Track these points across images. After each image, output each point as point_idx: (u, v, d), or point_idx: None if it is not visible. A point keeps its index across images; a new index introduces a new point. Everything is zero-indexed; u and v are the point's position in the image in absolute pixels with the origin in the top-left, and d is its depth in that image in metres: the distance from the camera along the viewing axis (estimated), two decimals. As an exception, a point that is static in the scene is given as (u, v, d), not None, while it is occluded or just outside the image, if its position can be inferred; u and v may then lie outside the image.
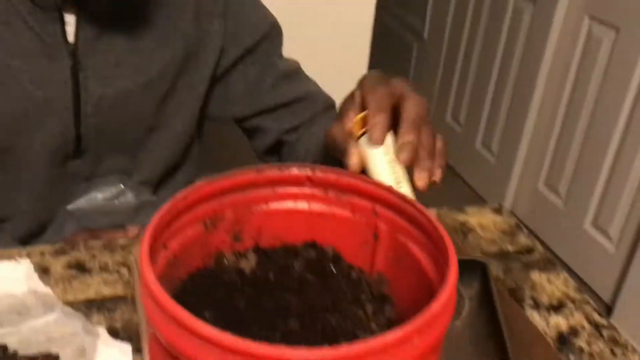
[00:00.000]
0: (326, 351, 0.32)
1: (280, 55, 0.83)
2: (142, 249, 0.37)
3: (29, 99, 0.68)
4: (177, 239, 0.44)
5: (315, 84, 0.85)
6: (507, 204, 2.30)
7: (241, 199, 0.49)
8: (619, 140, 1.81)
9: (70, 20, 0.67)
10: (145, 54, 0.73)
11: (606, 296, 1.91)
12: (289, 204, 0.50)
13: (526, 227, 2.17)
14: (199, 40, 0.76)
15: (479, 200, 2.42)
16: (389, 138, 0.57)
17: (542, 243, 2.13)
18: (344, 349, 0.32)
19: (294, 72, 0.83)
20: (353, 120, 0.58)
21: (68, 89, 0.69)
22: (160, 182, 0.83)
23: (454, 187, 2.51)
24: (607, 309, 1.88)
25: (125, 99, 0.73)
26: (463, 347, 0.55)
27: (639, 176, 1.74)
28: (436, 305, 0.35)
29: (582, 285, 1.98)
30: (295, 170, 0.49)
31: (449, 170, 2.64)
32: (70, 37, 0.68)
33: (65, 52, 0.68)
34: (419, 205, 0.45)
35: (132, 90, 0.73)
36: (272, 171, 0.49)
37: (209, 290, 0.46)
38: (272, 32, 0.81)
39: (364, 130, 0.58)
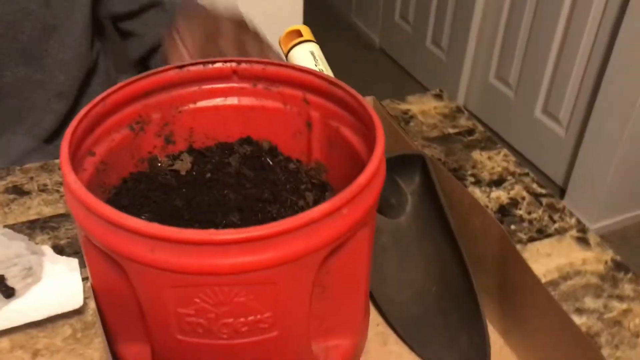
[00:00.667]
0: (254, 229, 0.32)
1: None
2: (62, 155, 0.36)
3: None
4: (103, 145, 0.43)
5: None
6: (460, 99, 2.32)
7: (167, 98, 0.47)
8: (564, 27, 1.81)
9: None
10: None
11: (559, 180, 1.98)
12: (217, 101, 0.49)
13: (479, 120, 2.20)
14: None
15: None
16: (317, 49, 0.57)
17: (496, 134, 2.17)
18: (274, 225, 0.32)
19: None
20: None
21: None
22: (78, 94, 0.81)
23: (405, 86, 2.50)
24: (561, 192, 1.95)
25: None
26: (412, 241, 0.56)
27: (585, 60, 1.76)
28: (363, 177, 0.35)
29: (537, 171, 2.04)
30: (219, 65, 0.48)
31: (401, 69, 2.63)
32: None
33: None
34: (347, 87, 0.45)
35: None
36: (195, 67, 0.47)
37: (145, 194, 0.45)
38: None
39: (292, 44, 0.58)
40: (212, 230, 0.32)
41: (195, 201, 0.45)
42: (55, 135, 0.81)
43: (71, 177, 0.35)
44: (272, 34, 1.22)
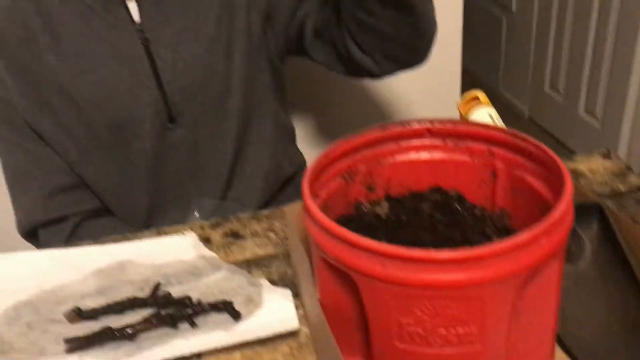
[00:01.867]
0: (467, 250, 0.39)
1: None
2: (304, 192, 0.46)
3: (118, 78, 0.80)
4: (324, 190, 0.53)
5: None
6: (619, 167, 2.24)
7: (371, 154, 0.56)
8: None
9: (131, 4, 0.80)
10: (199, 14, 0.83)
11: None
12: (412, 155, 0.58)
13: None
14: None
15: (587, 168, 2.36)
16: (494, 112, 0.64)
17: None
18: (486, 247, 0.39)
19: None
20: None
21: (145, 62, 0.81)
22: (245, 134, 0.90)
23: (559, 156, 2.46)
24: None
25: (196, 58, 0.83)
26: (591, 286, 0.59)
27: None
28: (557, 211, 0.41)
29: None
30: (415, 125, 0.56)
31: (552, 139, 2.60)
32: (136, 17, 0.80)
33: (134, 31, 0.80)
34: (530, 138, 0.51)
35: (199, 48, 0.83)
36: (395, 127, 0.56)
37: (355, 232, 0.54)
38: None
39: (471, 108, 0.65)
40: (433, 250, 0.39)
41: (396, 239, 0.53)
42: (227, 186, 0.91)
43: (314, 207, 0.44)
44: (432, 109, 1.31)
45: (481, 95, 0.68)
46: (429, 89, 1.31)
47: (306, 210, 0.45)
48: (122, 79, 0.80)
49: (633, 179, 0.76)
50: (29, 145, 0.84)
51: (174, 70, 0.82)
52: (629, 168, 0.78)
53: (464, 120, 0.66)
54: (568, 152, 2.52)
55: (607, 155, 0.81)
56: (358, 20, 0.76)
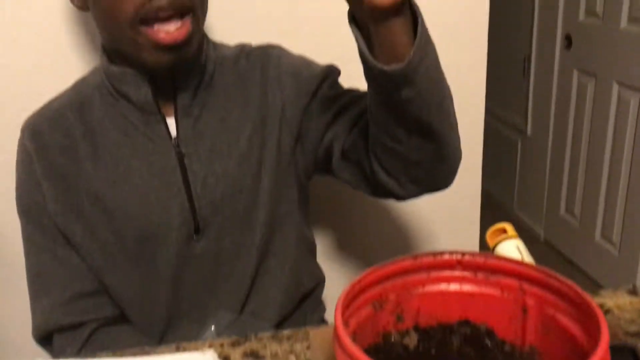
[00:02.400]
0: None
1: (335, 87, 0.91)
2: (337, 321, 0.46)
3: (151, 188, 0.83)
4: (354, 318, 0.53)
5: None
6: (638, 296, 2.20)
7: (401, 283, 0.57)
8: None
9: (170, 120, 0.84)
10: (233, 131, 0.86)
11: None
12: (442, 286, 0.58)
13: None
14: (266, 108, 0.88)
15: (605, 294, 2.32)
16: (521, 244, 0.65)
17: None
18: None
19: (347, 90, 0.90)
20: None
21: (178, 174, 0.84)
22: (268, 247, 0.90)
23: (575, 280, 2.43)
24: None
25: (226, 173, 0.85)
26: None
27: None
28: (597, 356, 0.41)
29: None
30: (446, 256, 0.57)
31: (570, 265, 2.58)
32: (173, 133, 0.84)
33: (170, 145, 0.84)
34: (563, 278, 0.51)
35: (230, 164, 0.85)
36: (426, 258, 0.57)
37: (383, 363, 0.53)
38: (329, 72, 0.91)
39: (499, 239, 0.67)
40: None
41: (424, 373, 0.52)
42: (246, 299, 0.90)
43: (346, 338, 0.44)
44: (452, 229, 1.32)
45: (509, 227, 0.69)
46: (450, 208, 1.32)
47: (337, 339, 0.45)
48: (154, 189, 0.83)
49: (661, 318, 0.75)
50: (57, 249, 0.85)
51: (204, 183, 0.84)
52: (656, 306, 0.77)
53: (492, 252, 0.66)
54: (585, 278, 2.49)
55: (633, 292, 0.80)
56: (384, 146, 0.78)
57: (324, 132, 0.89)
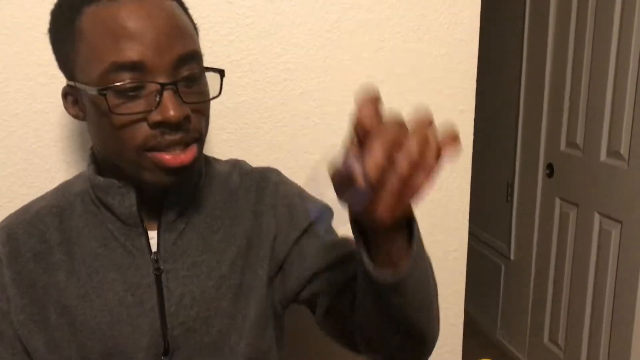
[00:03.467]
0: None
1: (332, 232, 0.89)
2: None
3: (122, 304, 0.79)
4: None
5: None
6: None
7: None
8: None
9: (152, 234, 0.81)
10: (216, 252, 0.83)
11: None
12: None
13: None
14: (256, 233, 0.85)
15: None
16: None
17: None
18: None
19: (343, 240, 0.87)
20: None
21: (153, 291, 0.79)
22: None
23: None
24: None
25: (203, 294, 0.81)
26: None
27: None
28: None
29: None
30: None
31: (554, 397, 2.48)
32: (153, 248, 0.80)
33: (149, 260, 0.80)
34: None
35: (208, 285, 0.81)
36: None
37: None
38: (323, 215, 0.86)
39: None
40: None
41: None
42: None
43: None
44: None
45: None
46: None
47: None
48: (126, 306, 0.79)
49: None
50: None
51: (179, 303, 0.80)
52: None
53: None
54: (571, 412, 2.39)
55: None
56: (367, 330, 0.76)
57: (311, 278, 0.85)
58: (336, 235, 0.90)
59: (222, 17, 1.05)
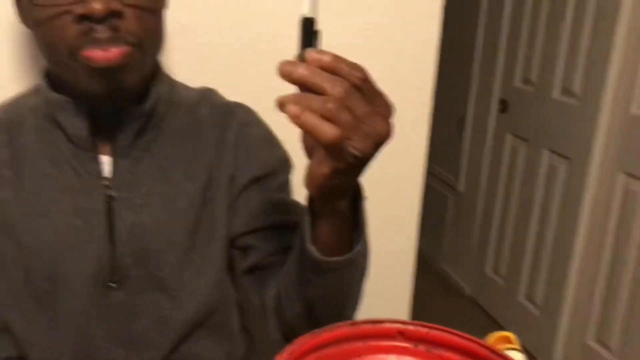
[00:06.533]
0: None
1: (284, 189, 0.87)
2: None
3: (70, 228, 0.76)
4: (285, 390, 0.48)
5: None
6: (557, 358, 2.24)
7: (337, 351, 0.52)
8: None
9: (105, 159, 0.77)
10: (174, 185, 0.80)
11: None
12: (380, 357, 0.54)
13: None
14: (216, 171, 0.82)
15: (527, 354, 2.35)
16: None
17: (599, 402, 2.03)
18: None
19: (293, 204, 0.86)
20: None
21: (102, 218, 0.76)
22: (199, 325, 0.84)
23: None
24: None
25: (156, 226, 0.78)
26: None
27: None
28: None
29: None
30: (387, 325, 0.53)
31: (491, 320, 2.60)
32: (105, 173, 0.77)
33: (101, 186, 0.77)
34: (507, 356, 0.48)
35: (162, 218, 0.78)
36: (365, 325, 0.53)
37: None
38: (279, 168, 0.86)
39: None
40: None
41: None
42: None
43: None
44: (383, 291, 1.29)
45: (513, 337, 0.67)
46: (382, 267, 1.30)
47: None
48: (74, 230, 0.76)
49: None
50: None
51: (130, 232, 0.77)
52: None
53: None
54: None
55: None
56: (283, 300, 0.75)
57: (250, 231, 0.83)
58: (289, 194, 0.87)
59: None
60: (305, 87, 0.53)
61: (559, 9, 2.11)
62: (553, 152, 2.21)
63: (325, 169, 0.56)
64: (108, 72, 0.69)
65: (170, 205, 0.79)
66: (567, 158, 2.13)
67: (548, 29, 2.19)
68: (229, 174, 0.82)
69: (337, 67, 0.52)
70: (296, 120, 0.52)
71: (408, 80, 1.18)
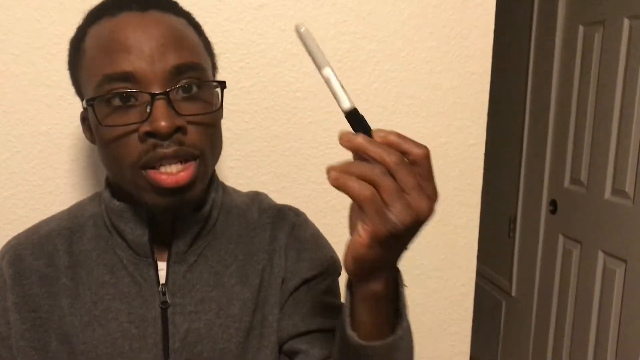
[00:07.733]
0: None
1: (333, 292, 0.86)
2: None
3: (125, 336, 0.75)
4: None
5: None
6: None
7: None
8: None
9: (162, 265, 0.77)
10: (228, 289, 0.79)
11: None
12: None
13: None
14: (268, 275, 0.81)
15: None
16: None
17: None
18: None
19: (338, 307, 0.84)
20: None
21: (158, 325, 0.76)
22: None
23: None
24: None
25: (210, 332, 0.77)
26: None
27: None
28: None
29: None
30: None
31: None
32: (162, 280, 0.77)
33: (156, 292, 0.76)
34: None
35: (216, 324, 0.77)
36: None
37: None
38: (328, 269, 0.85)
39: None
40: None
41: None
42: None
43: None
44: None
45: None
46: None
47: None
48: (129, 338, 0.76)
49: None
50: None
51: (184, 339, 0.77)
52: None
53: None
54: None
55: None
56: None
57: (297, 334, 0.81)
58: (337, 297, 0.86)
59: (234, 43, 1.05)
60: (362, 156, 0.54)
61: (607, 105, 2.12)
62: (608, 254, 2.14)
63: (364, 235, 0.55)
64: (175, 191, 0.69)
65: (224, 311, 0.78)
66: (623, 260, 2.06)
67: (595, 126, 2.19)
68: (280, 276, 0.82)
69: (399, 143, 0.54)
70: (335, 182, 0.52)
71: (458, 180, 1.18)
